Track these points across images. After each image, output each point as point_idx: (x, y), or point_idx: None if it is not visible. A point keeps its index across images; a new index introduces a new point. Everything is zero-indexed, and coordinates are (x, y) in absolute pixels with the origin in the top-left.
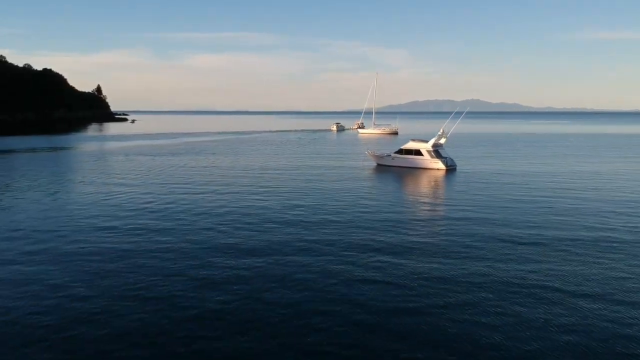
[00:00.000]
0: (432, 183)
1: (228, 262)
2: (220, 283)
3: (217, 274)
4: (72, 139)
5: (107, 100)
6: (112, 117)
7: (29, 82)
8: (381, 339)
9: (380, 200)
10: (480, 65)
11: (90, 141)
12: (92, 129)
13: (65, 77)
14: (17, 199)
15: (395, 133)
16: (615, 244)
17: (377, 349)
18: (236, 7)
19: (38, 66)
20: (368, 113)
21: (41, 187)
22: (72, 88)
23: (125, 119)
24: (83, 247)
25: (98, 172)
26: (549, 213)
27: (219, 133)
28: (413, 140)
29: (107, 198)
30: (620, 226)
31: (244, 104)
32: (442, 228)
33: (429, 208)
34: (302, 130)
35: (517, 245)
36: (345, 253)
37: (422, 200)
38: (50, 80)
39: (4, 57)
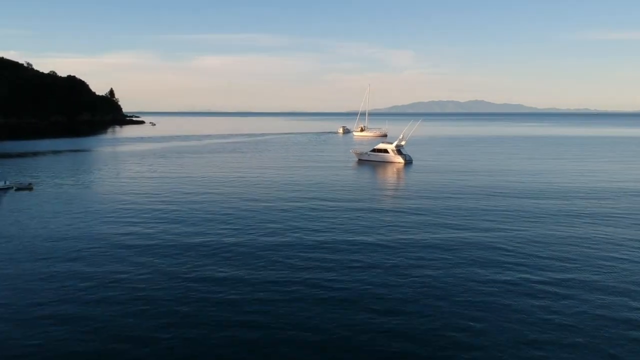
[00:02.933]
0: (394, 171)
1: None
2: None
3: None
4: (121, 140)
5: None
6: (130, 120)
7: (60, 88)
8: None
9: (358, 180)
10: (485, 66)
11: (138, 142)
12: (122, 132)
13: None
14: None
15: (385, 135)
16: (500, 204)
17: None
18: (242, 8)
19: (45, 68)
20: (363, 115)
21: (149, 174)
22: (93, 93)
23: (142, 122)
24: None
25: (182, 167)
26: (465, 186)
27: (239, 135)
28: (382, 142)
29: (197, 186)
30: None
31: (250, 105)
32: (396, 195)
33: (390, 186)
34: (312, 133)
35: (442, 202)
36: (333, 204)
37: (386, 181)
38: (75, 86)
39: (31, 64)
